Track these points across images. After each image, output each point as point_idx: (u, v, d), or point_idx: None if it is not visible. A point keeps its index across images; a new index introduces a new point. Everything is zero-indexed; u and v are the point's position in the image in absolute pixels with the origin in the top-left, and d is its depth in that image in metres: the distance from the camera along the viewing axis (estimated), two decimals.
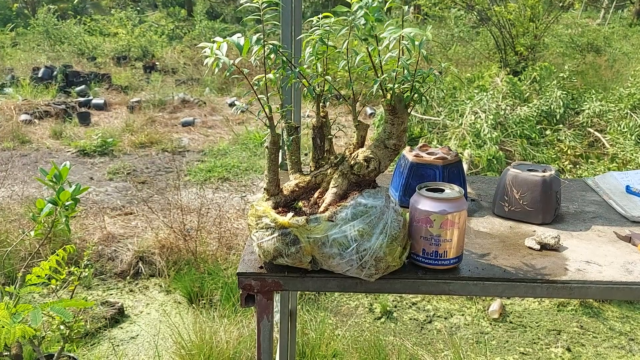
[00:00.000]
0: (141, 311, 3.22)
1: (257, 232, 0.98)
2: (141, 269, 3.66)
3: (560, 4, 8.41)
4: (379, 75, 0.90)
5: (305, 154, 4.89)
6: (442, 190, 1.07)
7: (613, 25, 13.33)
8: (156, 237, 3.78)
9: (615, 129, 4.99)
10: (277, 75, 0.94)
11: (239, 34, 0.88)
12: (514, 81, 5.81)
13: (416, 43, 0.83)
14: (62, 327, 2.16)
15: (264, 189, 1.01)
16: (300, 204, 1.02)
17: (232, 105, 8.32)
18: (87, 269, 2.42)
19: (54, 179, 1.91)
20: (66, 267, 2.16)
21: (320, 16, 0.97)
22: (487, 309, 3.18)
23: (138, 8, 15.73)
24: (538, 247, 1.16)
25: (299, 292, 2.78)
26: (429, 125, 5.38)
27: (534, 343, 2.91)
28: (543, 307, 3.25)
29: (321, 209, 0.97)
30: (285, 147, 1.05)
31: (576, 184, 1.63)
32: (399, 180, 1.37)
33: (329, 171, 1.02)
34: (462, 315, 3.17)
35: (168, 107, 8.11)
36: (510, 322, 3.09)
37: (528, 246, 1.18)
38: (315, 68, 0.99)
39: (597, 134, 5.15)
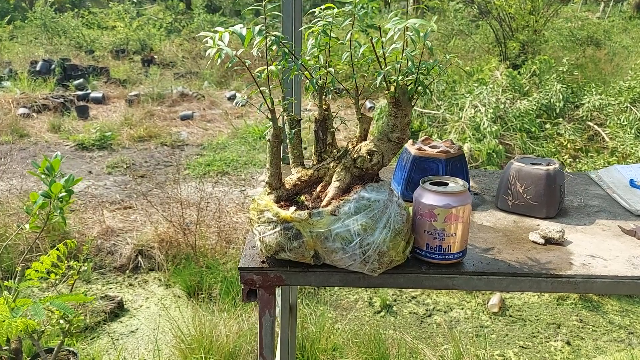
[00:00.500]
0: (141, 305, 3.22)
1: (259, 226, 0.97)
2: (140, 263, 3.66)
3: None
4: (382, 67, 0.89)
5: (305, 148, 4.87)
6: (446, 184, 1.06)
7: (613, 19, 13.29)
8: (155, 231, 3.77)
9: (615, 123, 4.98)
10: (279, 67, 0.93)
11: (241, 25, 0.86)
12: (513, 75, 5.79)
13: (421, 34, 0.82)
14: (61, 321, 2.16)
15: (266, 182, 0.99)
16: (302, 197, 1.01)
17: (231, 99, 8.29)
18: (86, 263, 2.41)
19: (47, 172, 1.90)
20: (65, 262, 2.16)
21: (322, 7, 0.96)
22: (487, 303, 3.18)
23: (136, 1, 15.64)
24: (542, 241, 1.15)
25: (299, 286, 2.77)
26: (428, 118, 5.37)
27: (534, 337, 2.91)
28: (543, 300, 3.25)
29: (324, 203, 0.96)
30: (288, 141, 1.04)
31: (579, 177, 1.62)
32: (401, 174, 1.36)
33: (331, 165, 1.01)
34: (462, 309, 3.17)
35: (167, 100, 8.08)
36: (510, 316, 3.09)
37: (532, 240, 1.17)
38: (317, 60, 0.98)
39: (596, 127, 5.14)
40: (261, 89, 0.90)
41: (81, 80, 8.90)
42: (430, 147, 1.33)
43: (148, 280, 3.53)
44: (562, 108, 5.34)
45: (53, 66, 9.26)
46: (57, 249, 1.95)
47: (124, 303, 3.21)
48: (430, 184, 1.05)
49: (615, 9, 14.88)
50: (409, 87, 0.92)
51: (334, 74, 0.97)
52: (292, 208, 0.94)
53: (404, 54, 0.86)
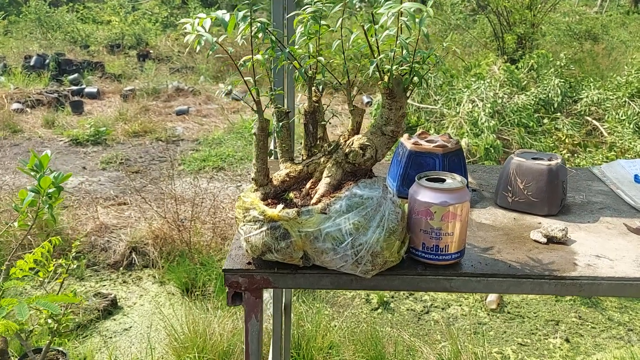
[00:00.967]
0: (134, 303, 3.19)
1: (244, 225, 0.91)
2: (134, 260, 3.64)
3: None
4: (375, 55, 0.83)
5: (301, 143, 4.81)
6: (443, 180, 1.01)
7: (610, 13, 13.24)
8: (150, 227, 3.74)
9: (613, 118, 4.95)
10: (266, 56, 0.87)
11: (224, 10, 0.81)
12: (511, 69, 5.76)
13: (417, 20, 0.76)
14: (49, 321, 2.12)
15: (252, 178, 0.93)
16: (291, 195, 0.94)
17: (227, 93, 8.22)
18: (75, 261, 2.36)
19: (36, 168, 1.85)
20: (53, 260, 2.12)
21: None
22: (485, 300, 3.14)
23: None
24: (544, 240, 1.10)
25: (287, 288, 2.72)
26: (426, 113, 5.34)
27: (532, 334, 2.88)
28: (541, 297, 3.22)
29: (313, 200, 0.90)
30: (275, 134, 0.98)
31: (581, 173, 1.56)
32: (396, 170, 1.30)
33: (322, 160, 0.95)
34: (460, 305, 3.13)
35: (162, 95, 8.03)
36: (508, 313, 3.06)
37: (534, 239, 1.11)
38: (307, 49, 0.91)
39: (595, 122, 5.12)
40: (246, 78, 0.84)
41: (76, 75, 8.82)
42: (427, 141, 1.28)
43: (142, 278, 3.50)
44: (560, 103, 5.32)
45: (47, 61, 9.18)
46: (42, 247, 1.91)
47: (118, 301, 3.18)
48: (426, 180, 0.99)
49: (613, 3, 14.82)
50: (404, 77, 0.86)
51: (325, 65, 0.90)
52: (280, 206, 0.88)
53: (398, 41, 0.80)
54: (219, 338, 2.60)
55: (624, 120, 4.85)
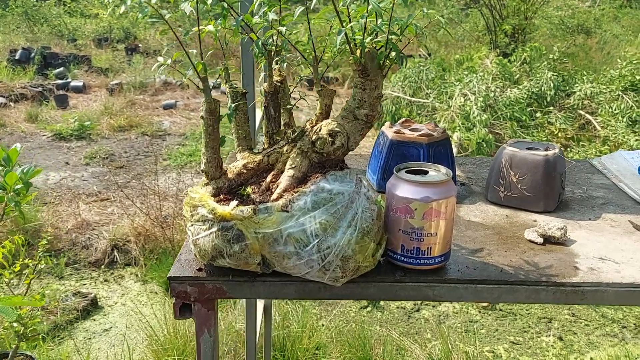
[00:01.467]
0: (115, 302, 3.13)
1: (192, 225, 0.78)
2: (116, 258, 3.59)
3: None
4: (344, 25, 0.70)
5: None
6: (426, 173, 0.88)
7: (603, 7, 13.19)
8: (132, 224, 3.64)
9: (606, 111, 4.90)
10: (219, 27, 0.74)
11: None
12: (503, 63, 5.71)
13: None
14: (15, 324, 2.03)
15: (202, 170, 0.80)
16: (248, 190, 0.81)
17: (216, 87, 8.07)
18: (51, 260, 2.25)
19: (3, 163, 1.75)
20: (19, 259, 2.04)
21: None
22: None
23: None
24: (541, 240, 0.97)
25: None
26: (417, 107, 5.26)
27: (525, 332, 2.85)
28: None
29: (274, 196, 0.76)
30: (228, 118, 0.84)
31: (580, 165, 1.44)
32: (377, 162, 1.18)
33: (285, 149, 0.82)
34: (451, 302, 3.05)
35: (149, 89, 7.93)
36: (500, 310, 3.03)
37: (529, 239, 0.99)
38: (266, 18, 0.78)
39: (588, 116, 5.06)
40: (190, 50, 0.71)
41: (62, 69, 8.66)
42: (411, 130, 1.15)
43: (124, 276, 3.44)
44: (553, 96, 5.28)
45: (33, 54, 9.02)
46: (4, 247, 1.80)
47: (98, 300, 3.15)
48: (406, 172, 0.86)
49: None
50: (379, 51, 0.73)
51: (287, 36, 0.77)
52: (233, 203, 0.75)
53: (370, 7, 0.67)
54: None
55: (617, 113, 4.81)
